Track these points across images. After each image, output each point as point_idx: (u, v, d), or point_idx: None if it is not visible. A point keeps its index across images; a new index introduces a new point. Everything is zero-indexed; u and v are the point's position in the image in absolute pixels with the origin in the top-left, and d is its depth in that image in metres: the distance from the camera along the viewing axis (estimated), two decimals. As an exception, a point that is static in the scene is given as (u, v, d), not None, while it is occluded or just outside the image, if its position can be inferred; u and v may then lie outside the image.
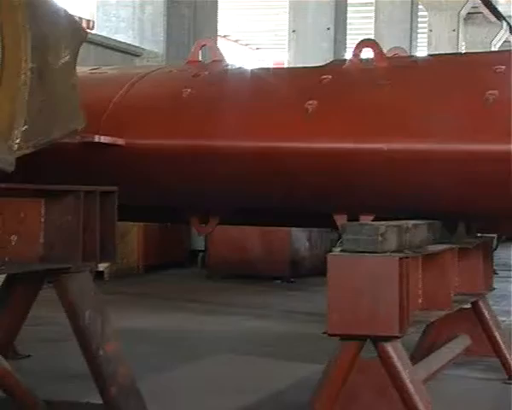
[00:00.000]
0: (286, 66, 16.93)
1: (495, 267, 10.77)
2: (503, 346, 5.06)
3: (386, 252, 3.51)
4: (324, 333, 3.54)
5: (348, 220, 4.31)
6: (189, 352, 5.86)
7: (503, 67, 4.14)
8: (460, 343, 4.85)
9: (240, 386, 4.96)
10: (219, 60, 4.86)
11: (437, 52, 23.57)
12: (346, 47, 16.76)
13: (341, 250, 3.57)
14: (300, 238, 10.33)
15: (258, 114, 4.33)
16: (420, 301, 4.00)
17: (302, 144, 4.18)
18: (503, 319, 7.72)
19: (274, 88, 4.46)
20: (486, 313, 5.05)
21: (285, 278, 10.06)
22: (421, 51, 24.78)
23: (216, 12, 12.63)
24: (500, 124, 3.94)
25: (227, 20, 27.00)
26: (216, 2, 12.63)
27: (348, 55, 17.31)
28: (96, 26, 11.90)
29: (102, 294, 3.74)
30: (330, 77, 4.38)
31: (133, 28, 11.57)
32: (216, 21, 12.67)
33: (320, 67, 4.63)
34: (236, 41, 32.85)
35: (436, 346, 4.80)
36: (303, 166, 4.17)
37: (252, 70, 4.78)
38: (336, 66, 4.54)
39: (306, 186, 4.24)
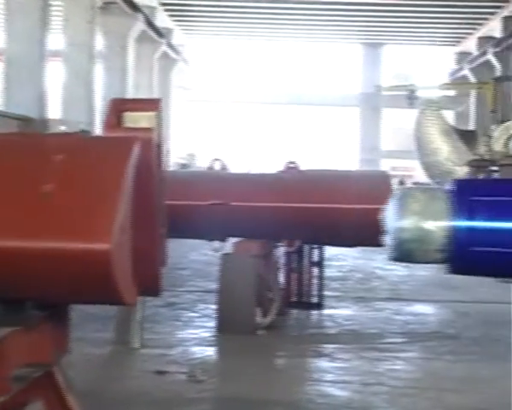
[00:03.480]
0: None
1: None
2: (76, 410, 5.17)
3: None
4: None
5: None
6: None
7: (63, 155, 4.08)
8: (31, 412, 4.88)
9: None
10: None
11: (74, 43, 23.40)
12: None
13: None
14: None
15: None
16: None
17: None
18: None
19: None
20: (59, 379, 5.13)
21: None
22: (58, 43, 24.43)
23: None
24: (54, 221, 3.93)
25: None
26: None
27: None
28: None
29: None
30: None
31: None
32: None
33: None
34: None
35: (8, 415, 4.79)
36: None
37: None
38: None
39: None
